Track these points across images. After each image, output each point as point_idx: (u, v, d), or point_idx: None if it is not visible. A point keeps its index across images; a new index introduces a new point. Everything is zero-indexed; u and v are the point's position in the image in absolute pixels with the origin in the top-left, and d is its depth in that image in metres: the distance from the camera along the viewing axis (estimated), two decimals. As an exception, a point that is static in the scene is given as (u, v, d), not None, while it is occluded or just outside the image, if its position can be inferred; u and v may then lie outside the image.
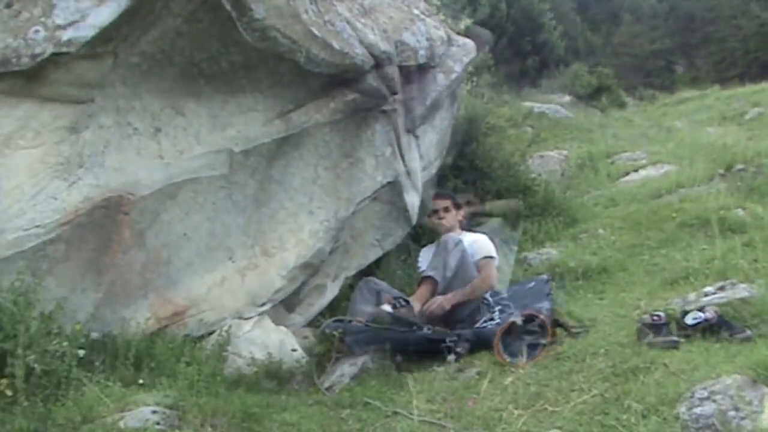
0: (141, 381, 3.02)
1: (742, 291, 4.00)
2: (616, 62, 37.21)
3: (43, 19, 3.05)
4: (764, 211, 6.27)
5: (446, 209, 4.92)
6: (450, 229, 4.84)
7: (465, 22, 8.63)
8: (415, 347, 4.01)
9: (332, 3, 4.23)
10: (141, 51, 3.40)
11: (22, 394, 2.57)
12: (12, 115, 3.10)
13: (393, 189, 4.99)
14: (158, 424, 2.58)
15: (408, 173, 5.20)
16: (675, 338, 3.50)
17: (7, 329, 2.65)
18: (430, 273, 4.45)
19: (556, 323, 3.92)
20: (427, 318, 4.24)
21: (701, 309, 3.67)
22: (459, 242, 4.56)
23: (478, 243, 4.78)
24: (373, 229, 5.15)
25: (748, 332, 3.48)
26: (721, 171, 7.94)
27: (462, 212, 5.09)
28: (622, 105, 18.08)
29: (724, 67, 35.75)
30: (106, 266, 3.46)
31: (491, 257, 4.71)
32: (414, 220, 5.35)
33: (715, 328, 3.53)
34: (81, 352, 2.81)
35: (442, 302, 4.31)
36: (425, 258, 4.91)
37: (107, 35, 3.16)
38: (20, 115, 3.11)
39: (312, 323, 4.65)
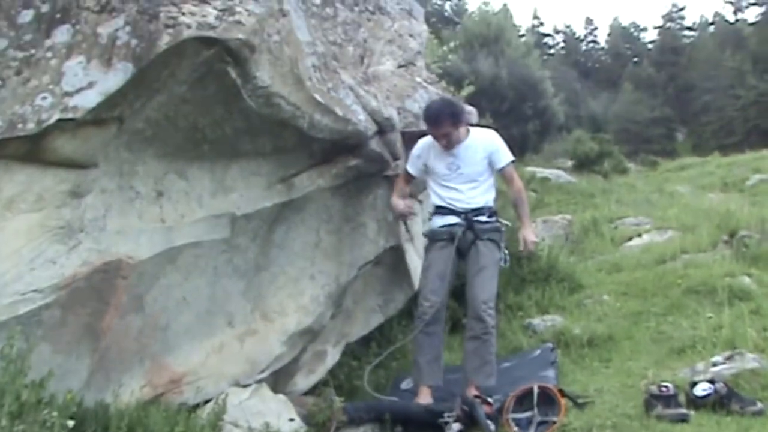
0: (132, 453, 2.93)
1: (751, 361, 3.93)
2: (618, 128, 37.87)
3: (51, 87, 3.06)
4: (770, 278, 6.21)
5: (446, 135, 4.38)
6: (460, 141, 4.47)
7: (467, 90, 8.74)
8: (415, 419, 3.91)
9: (336, 71, 4.29)
10: (146, 117, 3.42)
11: (9, 466, 2.48)
12: (15, 179, 3.09)
13: (395, 253, 4.96)
14: (149, 499, 2.48)
15: (411, 237, 5.18)
16: (684, 411, 3.42)
17: (-4, 398, 2.58)
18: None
19: (562, 393, 3.82)
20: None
21: (711, 380, 3.59)
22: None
23: (491, 145, 4.53)
24: (375, 294, 5.10)
25: (760, 405, 3.41)
26: (725, 237, 7.91)
27: (462, 120, 4.51)
28: (624, 170, 18.26)
29: (724, 134, 36.31)
30: (102, 331, 3.39)
31: (511, 161, 4.58)
32: (416, 286, 5.28)
33: (725, 400, 3.45)
34: (70, 423, 2.72)
35: (532, 240, 4.57)
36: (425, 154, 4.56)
37: (113, 101, 3.18)
38: (23, 179, 3.11)
39: (312, 391, 4.55)
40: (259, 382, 4.13)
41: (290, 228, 4.28)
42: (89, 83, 3.09)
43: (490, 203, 4.51)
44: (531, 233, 4.53)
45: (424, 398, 4.15)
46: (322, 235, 4.45)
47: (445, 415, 3.78)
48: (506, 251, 4.49)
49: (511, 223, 4.80)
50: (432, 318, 4.24)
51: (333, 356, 4.72)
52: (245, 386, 4.02)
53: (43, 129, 3.02)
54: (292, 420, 3.92)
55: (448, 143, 4.39)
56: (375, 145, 4.46)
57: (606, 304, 6.22)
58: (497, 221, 4.47)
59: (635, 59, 55.60)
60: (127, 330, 3.55)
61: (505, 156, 4.51)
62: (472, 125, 4.67)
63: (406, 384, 4.61)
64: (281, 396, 4.15)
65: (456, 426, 3.67)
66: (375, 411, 3.95)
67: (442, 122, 4.34)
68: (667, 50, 51.13)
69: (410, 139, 5.11)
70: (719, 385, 3.51)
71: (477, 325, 4.18)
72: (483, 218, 4.40)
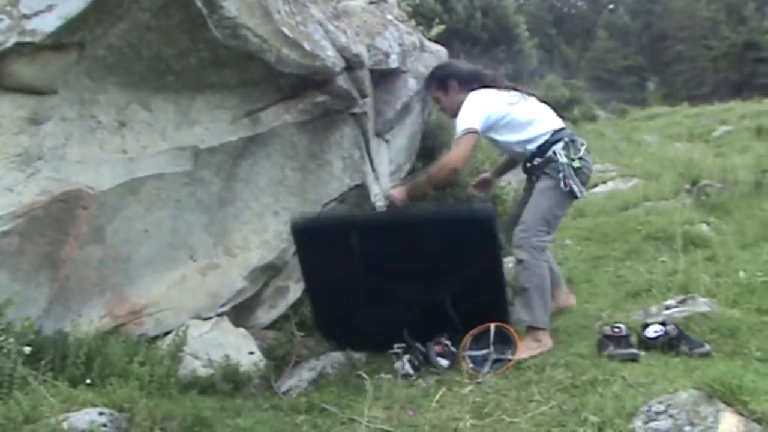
0: (89, 381, 2.93)
1: (702, 305, 4.04)
2: (590, 76, 37.84)
3: (8, 8, 2.96)
4: (728, 226, 6.38)
5: (435, 99, 4.53)
6: (457, 110, 4.16)
7: (437, 29, 8.60)
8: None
9: (305, 4, 4.19)
10: (108, 44, 3.33)
11: (-37, 392, 2.48)
12: (-30, 103, 3.01)
13: (360, 192, 4.95)
14: (105, 426, 2.49)
15: (376, 177, 5.17)
16: (635, 351, 3.52)
17: (-48, 323, 2.56)
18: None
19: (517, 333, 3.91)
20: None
21: (662, 322, 3.69)
22: None
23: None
24: (339, 233, 5.10)
25: (707, 347, 3.52)
26: (688, 186, 8.06)
27: (448, 85, 4.33)
28: (593, 118, 18.33)
29: (694, 85, 36.56)
30: (61, 261, 3.37)
31: (466, 131, 4.02)
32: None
33: (675, 341, 3.56)
34: (27, 349, 2.72)
35: (398, 196, 4.16)
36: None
37: (73, 26, 3.09)
38: (-22, 104, 3.02)
39: (273, 325, 4.60)
40: (221, 315, 4.15)
41: (255, 163, 4.24)
42: (48, 6, 2.99)
43: (535, 144, 4.18)
44: (398, 192, 4.21)
45: None
46: (287, 171, 4.42)
47: (395, 346, 3.81)
48: (563, 175, 4.02)
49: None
50: None
51: (295, 292, 4.74)
52: (206, 319, 4.05)
53: (0, 53, 2.93)
54: (252, 353, 3.97)
55: (444, 109, 4.49)
56: (343, 81, 4.39)
57: (568, 248, 6.33)
58: (550, 155, 4.12)
59: (611, 6, 55.17)
60: (88, 260, 3.53)
61: (457, 127, 4.09)
62: (485, 86, 4.22)
63: None
64: (242, 330, 4.18)
65: (399, 364, 3.72)
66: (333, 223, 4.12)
67: (429, 86, 4.47)
68: (644, -2, 50.82)
69: (380, 77, 5.06)
70: (670, 327, 3.61)
71: None
72: (536, 161, 4.19)
